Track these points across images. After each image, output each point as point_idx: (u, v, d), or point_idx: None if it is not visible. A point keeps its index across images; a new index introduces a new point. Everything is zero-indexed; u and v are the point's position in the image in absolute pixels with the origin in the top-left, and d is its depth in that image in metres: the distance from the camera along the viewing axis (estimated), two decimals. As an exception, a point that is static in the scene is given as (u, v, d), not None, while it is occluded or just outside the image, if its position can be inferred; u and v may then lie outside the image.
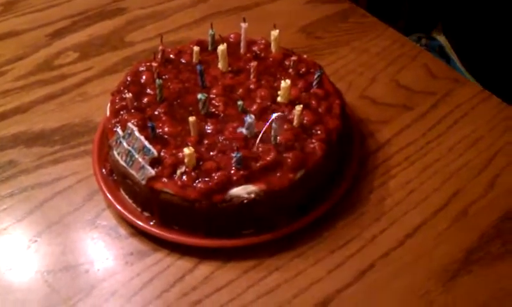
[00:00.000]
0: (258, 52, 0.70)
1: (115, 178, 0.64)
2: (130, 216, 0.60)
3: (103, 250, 0.60)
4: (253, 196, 0.56)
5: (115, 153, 0.60)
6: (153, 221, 0.60)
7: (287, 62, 0.69)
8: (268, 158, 0.57)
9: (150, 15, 0.92)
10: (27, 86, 0.79)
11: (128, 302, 0.55)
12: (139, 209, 0.61)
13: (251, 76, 0.66)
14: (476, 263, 0.58)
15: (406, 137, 0.70)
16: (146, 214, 0.61)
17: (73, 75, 0.81)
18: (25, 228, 0.62)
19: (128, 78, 0.67)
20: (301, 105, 0.59)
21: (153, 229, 0.59)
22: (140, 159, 0.58)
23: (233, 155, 0.56)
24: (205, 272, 0.57)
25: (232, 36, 0.72)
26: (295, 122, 0.60)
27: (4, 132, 0.73)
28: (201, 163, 0.57)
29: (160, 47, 0.69)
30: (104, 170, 0.64)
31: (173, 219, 0.59)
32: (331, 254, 0.59)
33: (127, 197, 0.62)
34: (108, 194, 0.62)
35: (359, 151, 0.67)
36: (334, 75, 0.74)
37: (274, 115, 0.57)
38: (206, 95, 0.61)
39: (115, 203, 0.61)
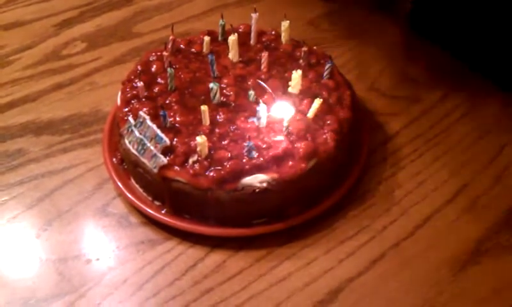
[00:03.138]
0: (268, 43, 0.70)
1: (126, 167, 0.64)
2: (141, 205, 0.60)
3: (114, 238, 0.60)
4: (265, 185, 0.56)
5: (126, 141, 0.60)
6: (165, 210, 0.60)
7: (297, 53, 0.69)
8: (280, 148, 0.57)
9: (158, 6, 0.92)
10: (36, 76, 0.79)
11: (140, 289, 0.56)
12: (150, 198, 0.61)
13: (262, 66, 0.66)
14: (485, 253, 0.58)
15: (414, 129, 0.71)
16: (157, 203, 0.61)
17: (81, 65, 0.81)
18: (36, 216, 0.62)
19: (139, 68, 0.67)
20: (321, 99, 0.59)
21: (164, 218, 0.59)
22: (152, 147, 0.58)
23: (246, 144, 0.57)
24: (217, 261, 0.58)
25: (241, 26, 0.72)
26: (310, 114, 0.60)
27: (13, 121, 0.73)
28: (213, 152, 0.57)
29: (171, 37, 0.68)
30: (114, 159, 0.65)
31: (185, 207, 0.59)
32: (341, 244, 0.59)
33: (137, 186, 0.62)
34: (119, 183, 0.62)
35: (368, 142, 0.67)
36: (342, 68, 0.74)
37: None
38: (218, 84, 0.61)
39: (126, 192, 0.61)
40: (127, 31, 0.87)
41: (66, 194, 0.64)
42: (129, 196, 0.61)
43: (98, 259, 0.58)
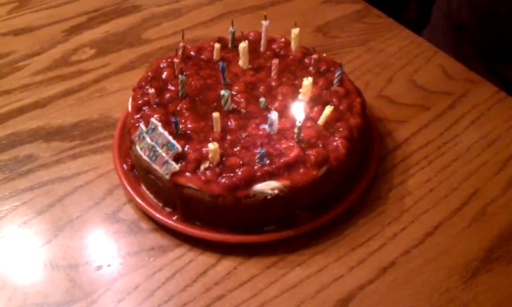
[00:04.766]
0: (278, 50, 0.71)
1: (136, 173, 0.64)
2: (152, 211, 0.60)
3: (125, 244, 0.60)
4: (276, 191, 0.56)
5: (138, 148, 0.60)
6: (176, 216, 0.60)
7: (306, 61, 0.69)
8: (292, 155, 0.57)
9: (166, 13, 0.92)
10: (45, 81, 0.80)
11: (151, 295, 0.56)
12: (160, 204, 0.61)
13: (273, 73, 0.66)
14: (496, 261, 0.58)
15: (423, 137, 0.71)
16: (168, 209, 0.61)
17: (90, 71, 0.81)
18: (46, 222, 0.62)
19: (150, 74, 0.67)
20: (332, 106, 0.59)
21: (175, 224, 0.59)
22: (164, 154, 0.58)
23: (257, 151, 0.57)
24: (228, 268, 0.58)
25: (251, 34, 0.73)
26: (321, 121, 0.60)
27: (22, 127, 0.73)
28: (224, 158, 0.57)
29: (181, 44, 0.69)
30: (124, 165, 0.65)
31: (196, 214, 0.59)
32: (352, 251, 0.59)
33: (148, 192, 0.63)
34: (129, 189, 0.62)
35: (378, 149, 0.67)
36: (351, 75, 0.74)
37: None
38: (229, 91, 0.62)
39: (137, 198, 0.61)
40: (136, 37, 0.87)
41: (77, 200, 0.64)
42: (140, 202, 0.61)
43: (109, 265, 0.58)
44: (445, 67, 0.81)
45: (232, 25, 0.70)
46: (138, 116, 0.63)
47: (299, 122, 0.58)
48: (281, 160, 0.57)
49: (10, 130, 0.73)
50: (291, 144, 0.58)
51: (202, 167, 0.57)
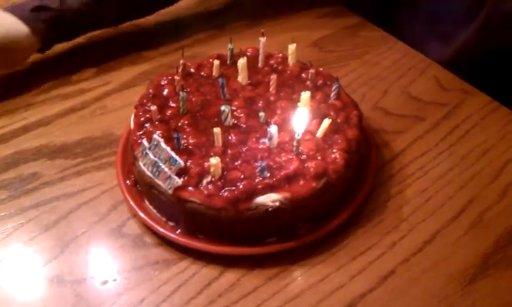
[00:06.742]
0: (276, 65, 0.72)
1: (139, 188, 0.65)
2: (156, 225, 0.61)
3: (129, 259, 0.61)
4: (277, 204, 0.58)
5: (141, 164, 0.62)
6: (179, 230, 0.61)
7: (303, 75, 0.71)
8: (291, 168, 0.59)
9: (165, 31, 0.94)
10: (48, 100, 0.81)
11: (156, 308, 0.57)
12: (164, 219, 0.63)
13: (271, 88, 0.68)
14: (493, 267, 0.60)
15: (419, 147, 0.72)
16: (171, 223, 0.62)
17: (92, 90, 0.83)
18: (52, 238, 0.63)
19: (151, 92, 0.69)
20: (330, 119, 0.61)
21: (179, 238, 0.60)
22: (166, 169, 0.59)
23: (258, 164, 0.58)
24: (231, 280, 0.59)
25: (249, 50, 0.74)
26: (319, 134, 0.62)
27: (26, 145, 0.74)
28: (226, 172, 0.59)
29: (181, 61, 0.70)
30: (128, 181, 0.66)
31: (199, 227, 0.60)
32: (353, 261, 0.60)
33: (151, 207, 0.64)
34: (133, 204, 0.63)
35: (375, 160, 0.69)
36: (347, 88, 0.76)
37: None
38: (229, 107, 0.63)
39: (140, 213, 0.63)
40: (136, 55, 0.89)
41: (82, 216, 0.65)
42: (144, 216, 0.62)
43: (114, 279, 0.59)
44: (439, 78, 0.82)
45: (231, 42, 0.72)
46: (141, 132, 0.64)
47: (298, 135, 0.59)
48: (282, 173, 0.58)
49: (14, 149, 0.74)
50: (291, 157, 0.60)
51: (204, 182, 0.59)
